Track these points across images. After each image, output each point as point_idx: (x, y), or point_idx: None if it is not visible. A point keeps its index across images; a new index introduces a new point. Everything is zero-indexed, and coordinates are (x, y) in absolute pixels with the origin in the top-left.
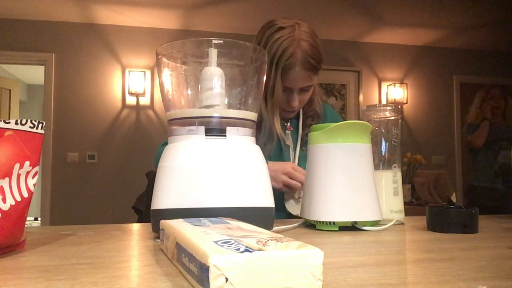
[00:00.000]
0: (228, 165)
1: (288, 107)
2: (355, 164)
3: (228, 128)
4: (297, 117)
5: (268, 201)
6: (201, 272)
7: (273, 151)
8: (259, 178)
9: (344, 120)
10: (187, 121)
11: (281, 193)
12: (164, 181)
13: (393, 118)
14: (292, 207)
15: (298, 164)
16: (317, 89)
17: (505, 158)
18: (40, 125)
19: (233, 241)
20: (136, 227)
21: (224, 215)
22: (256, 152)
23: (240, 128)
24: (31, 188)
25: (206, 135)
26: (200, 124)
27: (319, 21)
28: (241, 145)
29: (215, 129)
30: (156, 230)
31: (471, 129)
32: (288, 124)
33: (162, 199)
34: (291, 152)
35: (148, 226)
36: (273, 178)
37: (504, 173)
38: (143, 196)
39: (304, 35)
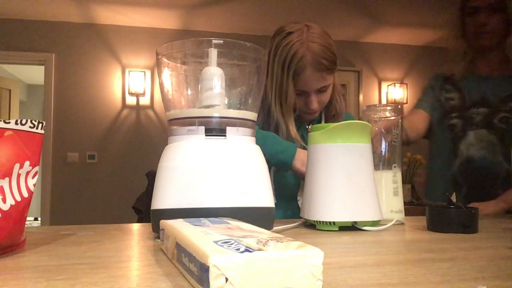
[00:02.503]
0: (228, 165)
1: (307, 109)
2: (355, 164)
3: (228, 128)
4: (319, 120)
5: (268, 201)
6: (201, 272)
7: None
8: (259, 178)
9: None
10: (187, 121)
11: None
12: (164, 181)
13: (393, 118)
14: None
15: None
16: (337, 87)
17: (474, 146)
18: (40, 125)
19: (233, 241)
20: (136, 227)
21: (224, 215)
22: (256, 152)
23: (240, 128)
24: (31, 188)
25: (206, 135)
26: (200, 124)
27: (319, 21)
28: (241, 145)
29: (215, 129)
30: (156, 230)
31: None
32: (309, 127)
33: (162, 199)
34: None
35: (148, 226)
36: (303, 162)
37: (469, 179)
38: (143, 196)
39: (313, 37)
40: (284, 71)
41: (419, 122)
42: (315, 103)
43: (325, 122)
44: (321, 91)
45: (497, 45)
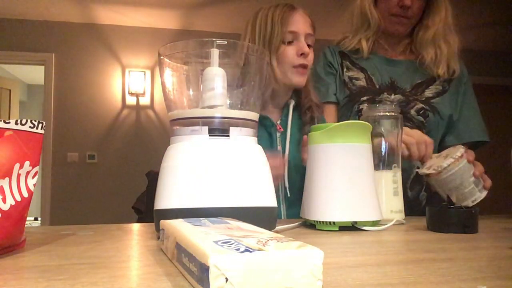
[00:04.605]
0: (232, 165)
1: (301, 54)
2: (355, 164)
3: (232, 128)
4: (286, 115)
5: (270, 201)
6: (201, 272)
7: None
8: (262, 178)
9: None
10: (190, 121)
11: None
12: (168, 181)
13: (393, 118)
14: None
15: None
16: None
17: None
18: (40, 125)
19: (233, 241)
20: (136, 227)
21: (228, 215)
22: (259, 153)
23: (243, 129)
24: (31, 188)
25: (209, 135)
26: (204, 124)
27: (316, 21)
28: (244, 145)
29: (218, 129)
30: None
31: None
32: (278, 122)
33: (166, 199)
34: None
35: (148, 226)
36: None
37: None
38: (143, 196)
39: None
40: (270, 27)
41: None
42: (306, 48)
43: (301, 114)
44: (308, 44)
45: (407, 34)
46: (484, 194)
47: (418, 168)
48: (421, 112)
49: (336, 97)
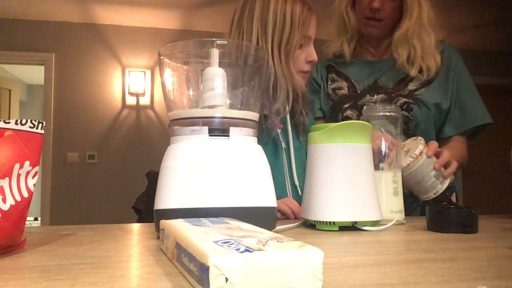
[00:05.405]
0: (232, 165)
1: (313, 58)
2: (355, 164)
3: (232, 128)
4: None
5: (270, 201)
6: (201, 272)
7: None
8: (262, 178)
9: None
10: (191, 121)
11: None
12: (168, 181)
13: (393, 118)
14: None
15: (295, 159)
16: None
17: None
18: (40, 125)
19: (233, 241)
20: (136, 227)
21: (228, 215)
22: (259, 152)
23: (243, 129)
24: (31, 188)
25: (209, 135)
26: (204, 124)
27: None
28: (244, 145)
29: (218, 129)
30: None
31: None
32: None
33: (166, 199)
34: (284, 154)
35: (148, 226)
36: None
37: None
38: (143, 196)
39: None
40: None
41: None
42: (316, 57)
43: (290, 109)
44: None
45: (385, 35)
46: (445, 185)
47: None
48: (404, 107)
49: (322, 111)
